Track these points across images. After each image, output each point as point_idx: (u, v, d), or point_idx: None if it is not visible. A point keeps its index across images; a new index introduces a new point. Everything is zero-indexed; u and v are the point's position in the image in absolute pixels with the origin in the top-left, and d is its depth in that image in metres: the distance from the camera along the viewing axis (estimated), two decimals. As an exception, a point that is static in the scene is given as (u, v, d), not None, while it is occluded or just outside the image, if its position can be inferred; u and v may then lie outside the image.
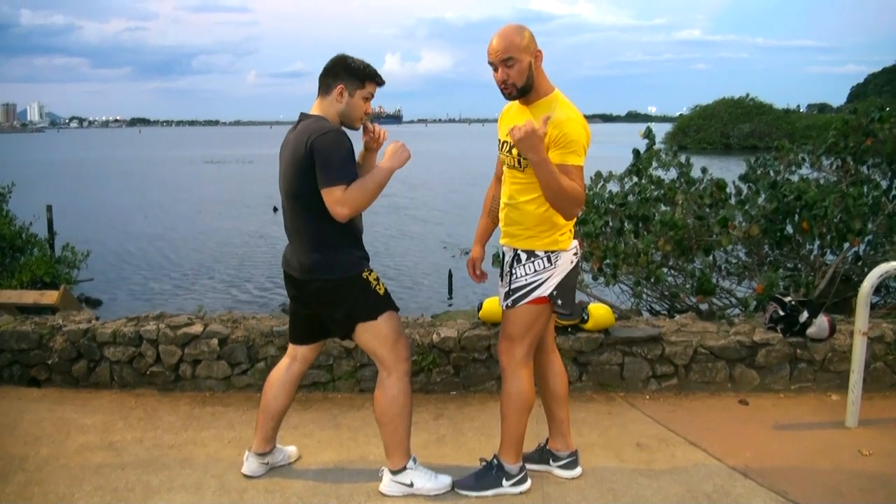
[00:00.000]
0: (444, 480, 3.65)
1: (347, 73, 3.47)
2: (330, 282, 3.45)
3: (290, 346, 3.85)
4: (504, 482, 3.61)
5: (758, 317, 5.49)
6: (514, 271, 3.50)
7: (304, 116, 3.51)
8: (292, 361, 3.83)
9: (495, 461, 3.64)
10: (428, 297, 15.41)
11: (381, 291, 3.57)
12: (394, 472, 3.61)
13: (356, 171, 3.40)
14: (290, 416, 3.94)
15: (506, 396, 3.56)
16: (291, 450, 4.06)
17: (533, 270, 3.44)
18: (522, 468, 3.66)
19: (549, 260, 3.43)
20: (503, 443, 3.63)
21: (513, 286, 3.50)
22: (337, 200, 3.29)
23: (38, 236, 11.86)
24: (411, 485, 3.60)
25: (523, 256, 3.47)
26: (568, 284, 3.49)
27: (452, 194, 34.68)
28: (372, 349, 3.58)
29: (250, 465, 3.84)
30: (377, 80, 3.55)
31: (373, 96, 3.56)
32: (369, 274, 3.53)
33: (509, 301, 3.51)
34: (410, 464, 3.62)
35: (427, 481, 3.61)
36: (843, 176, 7.58)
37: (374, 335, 3.53)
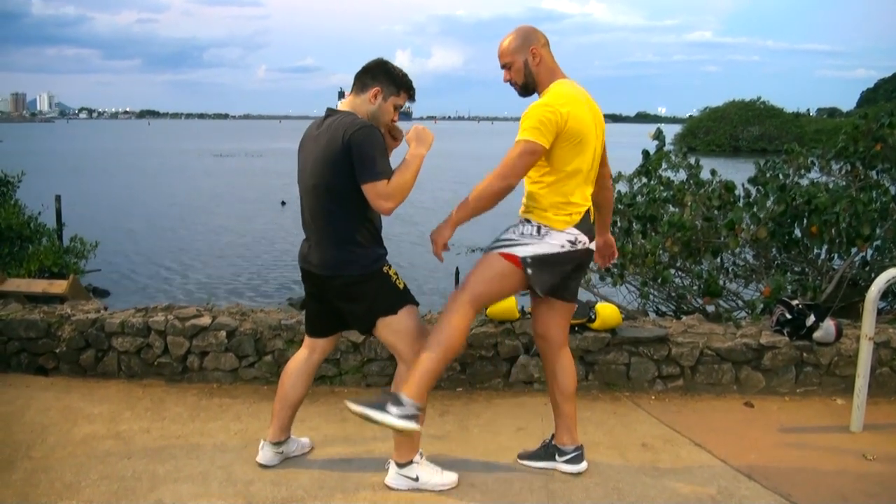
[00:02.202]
0: (451, 477, 3.66)
1: (387, 77, 3.51)
2: (351, 277, 3.46)
3: (308, 339, 3.87)
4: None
5: (764, 319, 5.49)
6: (507, 228, 3.62)
7: (332, 112, 3.53)
8: (311, 353, 3.85)
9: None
10: (434, 294, 15.40)
11: (401, 286, 3.59)
12: (400, 466, 3.63)
13: (390, 165, 3.44)
14: (297, 410, 3.96)
15: (436, 328, 3.46)
16: (305, 441, 4.08)
17: (520, 233, 3.53)
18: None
19: (538, 231, 3.50)
20: (410, 377, 3.44)
21: (498, 237, 3.61)
22: (381, 195, 3.32)
23: (47, 226, 11.88)
24: (417, 479, 3.61)
25: (518, 219, 3.61)
26: (547, 262, 3.49)
27: (448, 193, 34.51)
28: (392, 344, 3.59)
29: (265, 454, 3.87)
30: (411, 94, 3.60)
31: (402, 107, 3.61)
32: (389, 269, 3.55)
33: (486, 247, 3.62)
34: (417, 458, 3.63)
35: (433, 476, 3.63)
36: (852, 181, 7.57)
37: (394, 330, 3.54)
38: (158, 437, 4.25)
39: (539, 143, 3.35)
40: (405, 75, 3.56)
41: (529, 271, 3.47)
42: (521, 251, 3.48)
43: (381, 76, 3.51)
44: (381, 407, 3.36)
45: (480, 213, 3.47)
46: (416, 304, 3.65)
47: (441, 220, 3.54)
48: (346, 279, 3.47)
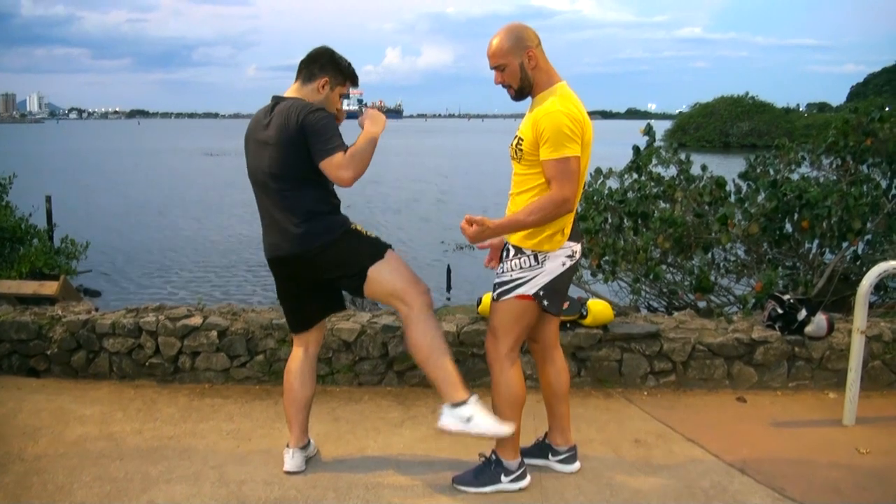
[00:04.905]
0: (507, 429, 3.47)
1: (334, 68, 3.57)
2: (323, 245, 3.46)
3: (297, 338, 3.84)
4: (503, 478, 3.61)
5: (756, 314, 5.50)
6: (502, 265, 3.51)
7: (280, 99, 3.54)
8: (306, 348, 3.83)
9: (494, 457, 3.64)
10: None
11: (373, 235, 3.62)
12: (453, 405, 3.46)
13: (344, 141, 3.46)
14: (311, 408, 3.94)
15: (495, 391, 3.56)
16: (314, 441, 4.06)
17: (518, 267, 3.42)
18: (521, 464, 3.66)
19: (535, 259, 3.40)
20: (499, 439, 3.63)
21: (498, 280, 3.50)
22: (339, 165, 3.32)
23: (38, 227, 11.84)
24: (469, 420, 3.43)
25: (511, 251, 3.46)
26: (557, 287, 3.46)
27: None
28: (391, 288, 3.54)
29: (296, 460, 3.81)
30: (355, 82, 3.68)
31: (345, 95, 3.66)
32: (355, 225, 3.58)
33: (494, 294, 3.52)
34: (473, 400, 3.46)
35: (487, 421, 3.44)
36: (842, 175, 7.59)
37: (388, 274, 3.53)
38: (150, 437, 4.24)
39: (578, 155, 3.28)
40: (350, 65, 3.63)
41: (546, 303, 3.44)
42: (530, 288, 3.41)
43: (329, 67, 3.56)
44: (496, 481, 3.62)
45: (529, 228, 3.36)
46: (393, 248, 3.66)
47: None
48: (319, 248, 3.46)
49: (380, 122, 3.56)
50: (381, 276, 3.53)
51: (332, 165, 3.33)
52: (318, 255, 3.49)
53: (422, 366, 3.59)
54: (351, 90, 3.72)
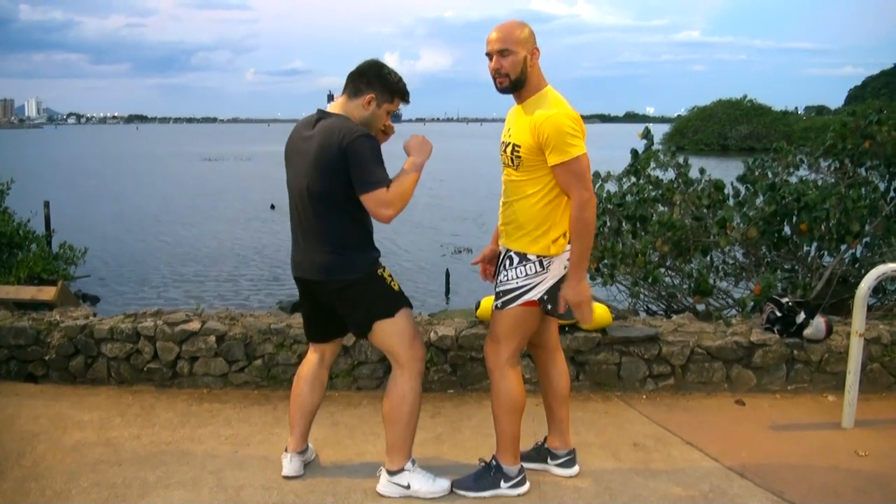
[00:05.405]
0: (443, 484, 3.62)
1: (381, 84, 3.44)
2: (346, 282, 3.42)
3: (313, 346, 3.83)
4: (502, 484, 3.60)
5: (755, 317, 5.50)
6: (505, 272, 3.48)
7: (325, 114, 3.45)
8: (321, 356, 3.82)
9: (494, 462, 3.64)
10: (425, 296, 15.39)
11: (396, 288, 3.55)
12: (391, 473, 3.60)
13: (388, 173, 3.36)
14: (314, 415, 3.93)
15: (495, 397, 3.56)
16: (312, 446, 4.06)
17: (524, 274, 3.41)
18: (521, 470, 3.65)
19: (540, 264, 3.40)
20: (499, 444, 3.63)
21: (503, 288, 3.48)
22: (381, 202, 3.26)
23: (36, 232, 11.83)
24: (408, 486, 3.58)
25: (515, 259, 3.44)
26: (558, 288, 3.45)
27: (448, 195, 34.58)
28: (389, 346, 3.55)
29: (294, 465, 3.81)
30: (405, 99, 3.54)
31: (394, 112, 3.55)
32: (383, 271, 3.52)
33: (498, 302, 3.49)
34: (409, 465, 3.60)
35: (425, 484, 3.59)
36: (840, 178, 7.60)
37: (391, 332, 3.51)
38: (149, 443, 4.23)
39: (585, 151, 3.27)
40: (400, 80, 3.48)
41: (549, 306, 3.44)
42: (535, 294, 3.41)
43: (376, 82, 3.43)
44: (495, 486, 3.62)
45: (590, 246, 3.36)
46: (411, 305, 3.63)
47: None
48: (341, 283, 3.43)
49: (425, 151, 3.47)
50: (385, 333, 3.53)
51: (374, 201, 3.27)
52: (334, 289, 3.46)
53: (385, 420, 3.62)
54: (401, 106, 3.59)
